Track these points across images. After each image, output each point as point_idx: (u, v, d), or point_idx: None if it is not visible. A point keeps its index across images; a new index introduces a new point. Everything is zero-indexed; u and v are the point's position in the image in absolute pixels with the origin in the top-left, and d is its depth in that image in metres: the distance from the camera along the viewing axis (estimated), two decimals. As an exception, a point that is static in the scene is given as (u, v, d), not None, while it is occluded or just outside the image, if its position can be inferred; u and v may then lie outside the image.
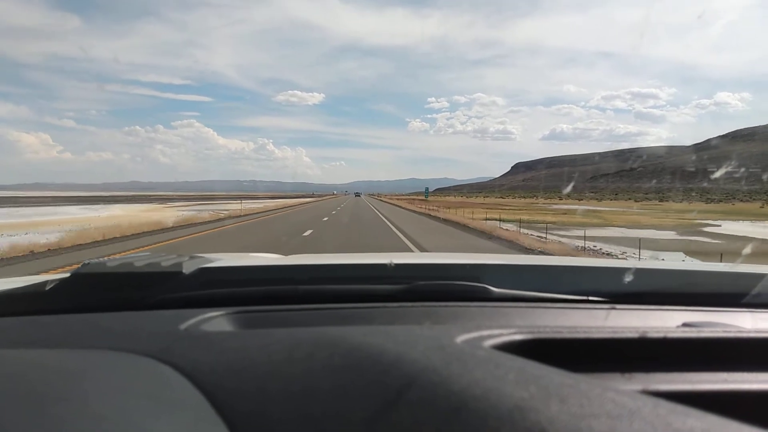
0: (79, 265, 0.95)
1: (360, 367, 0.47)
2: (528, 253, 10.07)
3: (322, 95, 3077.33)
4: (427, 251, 10.17)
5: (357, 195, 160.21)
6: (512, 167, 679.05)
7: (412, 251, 10.02)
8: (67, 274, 0.93)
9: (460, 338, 0.54)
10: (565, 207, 68.51)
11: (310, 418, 0.41)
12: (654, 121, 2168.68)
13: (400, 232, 15.81)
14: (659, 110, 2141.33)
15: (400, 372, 0.44)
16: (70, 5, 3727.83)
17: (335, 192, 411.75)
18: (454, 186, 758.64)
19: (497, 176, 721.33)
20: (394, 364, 0.46)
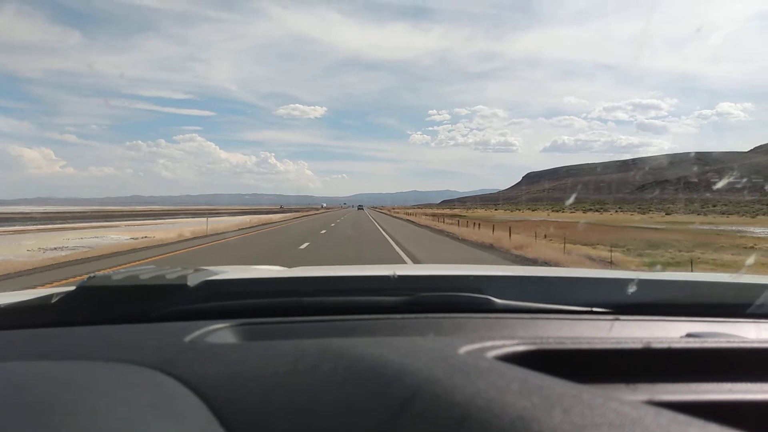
0: (85, 278, 0.95)
1: (363, 379, 0.47)
2: None
3: (324, 109, 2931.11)
4: None
5: (360, 208, 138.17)
6: (523, 177, 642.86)
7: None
8: (73, 287, 0.94)
9: (463, 349, 0.55)
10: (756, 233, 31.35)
11: (313, 431, 0.41)
12: (656, 132, 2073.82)
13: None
14: (661, 121, 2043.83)
15: (404, 383, 0.44)
16: (70, 21, 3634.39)
17: (324, 205, 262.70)
18: (457, 198, 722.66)
19: (505, 188, 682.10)
20: (398, 375, 0.46)
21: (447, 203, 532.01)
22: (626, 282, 1.03)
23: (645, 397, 0.54)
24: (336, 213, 72.62)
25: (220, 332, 0.79)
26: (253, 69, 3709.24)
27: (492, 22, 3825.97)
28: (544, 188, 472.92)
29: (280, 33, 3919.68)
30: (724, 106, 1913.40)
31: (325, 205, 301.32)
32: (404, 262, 11.37)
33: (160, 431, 0.45)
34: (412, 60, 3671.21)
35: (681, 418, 0.36)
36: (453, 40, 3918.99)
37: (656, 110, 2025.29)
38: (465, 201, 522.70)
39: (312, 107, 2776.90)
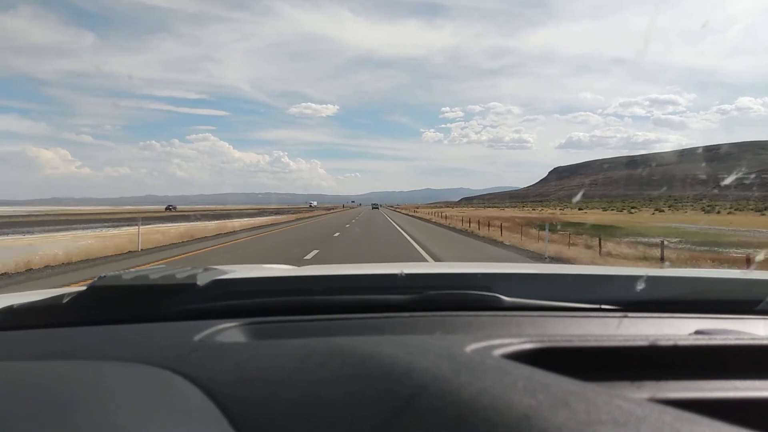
0: (96, 279, 0.96)
1: (370, 376, 0.47)
2: None
3: (336, 107, 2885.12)
4: None
5: (374, 207, 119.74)
6: (550, 173, 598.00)
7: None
8: (84, 288, 0.95)
9: (470, 347, 0.55)
10: None
11: (321, 426, 0.42)
12: (673, 128, 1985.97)
13: None
14: (679, 116, 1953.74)
15: (410, 380, 0.44)
16: (84, 23, 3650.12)
17: (313, 204, 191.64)
18: (476, 196, 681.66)
19: (527, 184, 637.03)
20: (405, 372, 0.46)
21: (469, 200, 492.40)
22: (635, 279, 1.03)
23: (650, 394, 0.55)
24: (341, 215, 35.53)
25: (229, 331, 0.80)
26: (265, 68, 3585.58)
27: (505, 18, 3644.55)
28: (579, 184, 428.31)
29: (291, 32, 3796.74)
30: (744, 101, 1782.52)
31: (315, 203, 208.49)
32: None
33: (170, 429, 0.45)
34: (425, 57, 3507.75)
35: (687, 415, 0.36)
36: (466, 36, 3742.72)
37: (674, 105, 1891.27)
38: (490, 199, 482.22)
39: (324, 106, 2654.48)
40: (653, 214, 55.67)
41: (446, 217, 37.98)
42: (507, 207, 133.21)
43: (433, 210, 78.79)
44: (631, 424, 0.35)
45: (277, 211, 68.19)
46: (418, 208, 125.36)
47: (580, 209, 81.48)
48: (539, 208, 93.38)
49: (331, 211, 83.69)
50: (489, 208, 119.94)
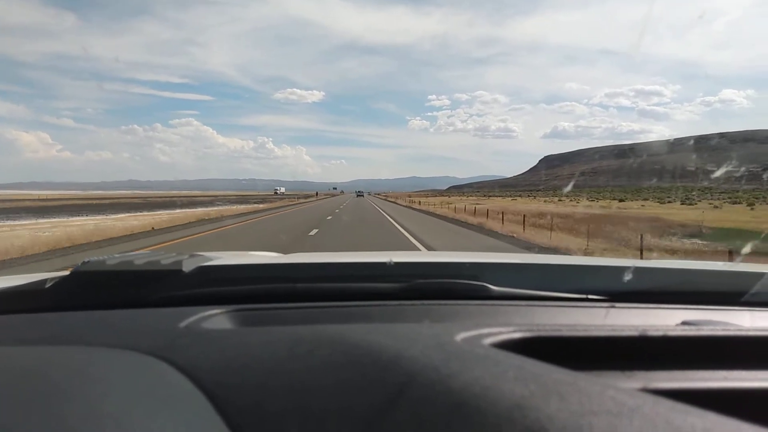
0: (80, 263, 0.94)
1: (360, 365, 0.47)
2: None
3: (322, 93, 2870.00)
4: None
5: (359, 195, 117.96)
6: (540, 161, 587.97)
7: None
8: (68, 272, 0.93)
9: (460, 336, 0.54)
10: None
11: (310, 415, 0.41)
12: (657, 119, 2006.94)
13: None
14: (663, 107, 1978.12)
15: (400, 369, 0.44)
16: (64, 3, 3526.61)
17: (280, 190, 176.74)
18: (465, 184, 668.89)
19: (517, 173, 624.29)
20: (394, 361, 0.46)
21: (455, 189, 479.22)
22: (622, 269, 1.03)
23: (641, 384, 0.54)
24: (310, 209, 25.13)
25: (215, 318, 0.79)
26: (250, 53, 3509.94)
27: (494, 6, 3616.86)
28: (570, 173, 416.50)
29: (277, 16, 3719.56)
30: (728, 93, 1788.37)
31: (282, 189, 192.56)
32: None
33: (155, 416, 0.45)
34: (412, 44, 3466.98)
35: (679, 406, 0.36)
36: (454, 24, 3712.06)
37: (659, 96, 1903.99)
38: (479, 187, 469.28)
39: (310, 92, 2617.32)
40: (752, 208, 41.76)
41: (482, 213, 23.57)
42: (514, 197, 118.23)
43: (436, 199, 63.96)
44: (624, 414, 0.35)
45: (239, 200, 52.17)
46: (411, 196, 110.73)
47: (621, 201, 67.34)
48: (566, 200, 79.20)
49: (301, 201, 60.87)
50: (493, 198, 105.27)
